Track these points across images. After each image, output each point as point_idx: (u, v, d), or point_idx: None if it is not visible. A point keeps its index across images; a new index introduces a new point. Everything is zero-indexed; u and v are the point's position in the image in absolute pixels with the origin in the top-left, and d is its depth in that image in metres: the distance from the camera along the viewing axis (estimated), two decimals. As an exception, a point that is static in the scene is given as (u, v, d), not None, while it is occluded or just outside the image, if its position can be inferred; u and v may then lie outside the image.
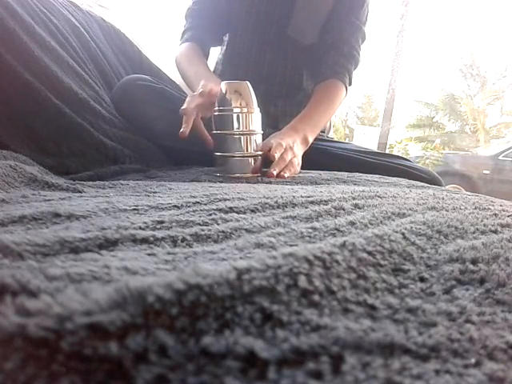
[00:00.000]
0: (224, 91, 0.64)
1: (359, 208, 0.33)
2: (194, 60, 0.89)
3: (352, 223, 0.27)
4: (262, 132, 0.66)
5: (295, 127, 0.77)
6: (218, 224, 0.27)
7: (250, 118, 0.64)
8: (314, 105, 0.85)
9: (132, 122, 0.79)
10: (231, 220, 0.28)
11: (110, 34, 1.02)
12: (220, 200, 0.35)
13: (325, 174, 0.67)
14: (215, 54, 1.07)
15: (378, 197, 0.38)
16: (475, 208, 0.36)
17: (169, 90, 0.83)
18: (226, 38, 1.02)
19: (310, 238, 0.24)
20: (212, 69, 1.06)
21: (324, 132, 1.08)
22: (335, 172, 0.71)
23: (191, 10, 0.98)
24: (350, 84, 0.93)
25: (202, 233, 0.25)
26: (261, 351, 0.13)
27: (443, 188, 0.71)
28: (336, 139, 1.11)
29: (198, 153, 0.82)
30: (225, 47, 1.01)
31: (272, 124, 0.89)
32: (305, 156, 0.76)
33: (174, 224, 0.27)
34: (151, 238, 0.23)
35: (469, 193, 0.57)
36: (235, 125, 0.63)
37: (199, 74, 0.81)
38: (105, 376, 0.12)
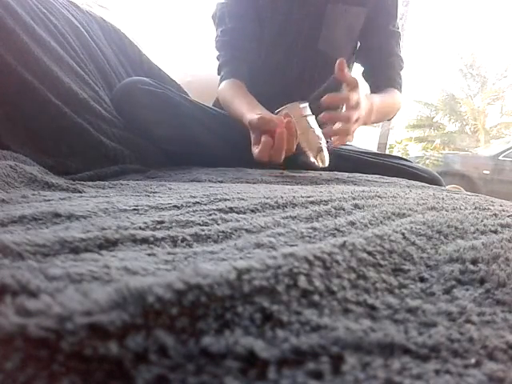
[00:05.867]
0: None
1: (359, 208, 0.33)
2: (237, 94, 0.85)
3: (352, 223, 0.27)
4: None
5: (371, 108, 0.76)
6: (218, 224, 0.27)
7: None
8: (387, 100, 0.88)
9: (132, 125, 0.79)
10: (231, 220, 0.28)
11: (110, 34, 1.02)
12: (220, 200, 0.35)
13: (325, 174, 0.67)
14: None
15: (378, 197, 0.38)
16: (475, 208, 0.36)
17: (169, 93, 0.82)
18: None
19: (310, 238, 0.24)
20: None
21: None
22: (335, 172, 0.71)
23: (222, 42, 0.94)
24: (401, 92, 0.98)
25: (202, 233, 0.25)
26: (261, 351, 0.13)
27: (443, 188, 0.71)
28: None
29: (198, 155, 0.82)
30: None
31: None
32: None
33: (174, 224, 0.27)
34: (151, 238, 0.23)
35: (469, 193, 0.58)
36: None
37: (242, 105, 0.78)
38: (105, 376, 0.12)
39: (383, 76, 0.96)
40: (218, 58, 0.96)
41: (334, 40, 0.94)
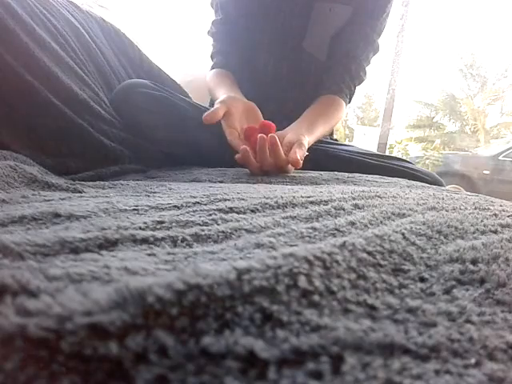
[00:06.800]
0: None
1: (359, 208, 0.33)
2: (222, 82, 0.88)
3: (352, 223, 0.27)
4: None
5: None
6: (218, 224, 0.27)
7: None
8: (322, 118, 0.83)
9: (131, 127, 0.79)
10: (231, 220, 0.28)
11: (111, 35, 1.02)
12: (220, 200, 0.35)
13: (325, 174, 0.67)
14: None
15: (378, 197, 0.38)
16: (475, 208, 0.36)
17: (168, 96, 0.82)
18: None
19: (310, 238, 0.24)
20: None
21: (331, 134, 1.08)
22: (335, 172, 0.71)
23: (213, 33, 0.97)
24: (349, 102, 0.93)
25: (202, 233, 0.25)
26: (261, 351, 0.13)
27: (443, 188, 0.71)
28: (337, 140, 1.10)
29: (198, 157, 0.82)
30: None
31: None
32: (307, 157, 0.76)
33: (173, 224, 0.27)
34: (151, 238, 0.23)
35: (469, 193, 0.57)
36: None
37: (222, 91, 0.80)
38: (105, 376, 0.12)
39: (335, 80, 0.90)
40: (211, 45, 0.99)
41: (318, 40, 0.92)
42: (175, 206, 0.32)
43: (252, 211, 0.31)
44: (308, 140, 0.71)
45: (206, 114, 0.65)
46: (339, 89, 0.90)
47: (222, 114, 0.68)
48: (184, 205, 0.32)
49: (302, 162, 0.63)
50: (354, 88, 0.93)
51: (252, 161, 0.64)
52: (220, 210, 0.31)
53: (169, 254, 0.21)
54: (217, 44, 0.97)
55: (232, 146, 0.68)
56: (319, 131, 0.80)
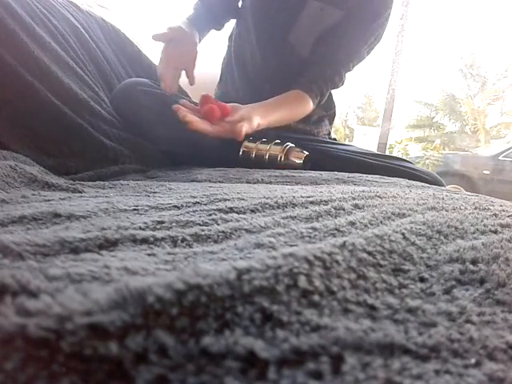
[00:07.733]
0: None
1: (359, 208, 0.33)
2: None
3: (352, 223, 0.27)
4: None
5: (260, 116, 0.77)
6: (218, 224, 0.27)
7: None
8: (282, 107, 0.85)
9: (131, 125, 0.79)
10: (231, 220, 0.28)
11: (110, 34, 1.02)
12: (220, 200, 0.35)
13: (325, 174, 0.67)
14: (221, 57, 1.08)
15: (378, 197, 0.38)
16: (475, 208, 0.36)
17: (168, 94, 0.83)
18: (230, 41, 1.02)
19: (310, 238, 0.24)
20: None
21: (329, 134, 1.08)
22: (335, 172, 0.71)
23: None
24: (318, 103, 0.93)
25: (202, 233, 0.25)
26: (261, 351, 0.13)
27: (443, 188, 0.71)
28: (337, 140, 1.10)
29: (197, 156, 0.82)
30: (231, 49, 1.01)
31: None
32: (307, 157, 0.77)
33: (173, 224, 0.27)
34: (151, 238, 0.23)
35: (469, 193, 0.57)
36: None
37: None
38: (105, 376, 0.12)
39: (308, 79, 0.90)
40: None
41: (304, 36, 0.92)
42: (175, 206, 0.32)
43: (252, 211, 0.31)
44: (259, 122, 0.74)
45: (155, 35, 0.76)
46: (309, 87, 0.89)
47: (168, 39, 0.78)
48: (184, 205, 0.32)
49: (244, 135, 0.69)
50: (326, 91, 0.93)
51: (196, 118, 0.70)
52: (220, 210, 0.31)
53: (169, 253, 0.21)
54: (197, 6, 0.97)
55: (158, 71, 0.78)
56: (274, 118, 0.82)
